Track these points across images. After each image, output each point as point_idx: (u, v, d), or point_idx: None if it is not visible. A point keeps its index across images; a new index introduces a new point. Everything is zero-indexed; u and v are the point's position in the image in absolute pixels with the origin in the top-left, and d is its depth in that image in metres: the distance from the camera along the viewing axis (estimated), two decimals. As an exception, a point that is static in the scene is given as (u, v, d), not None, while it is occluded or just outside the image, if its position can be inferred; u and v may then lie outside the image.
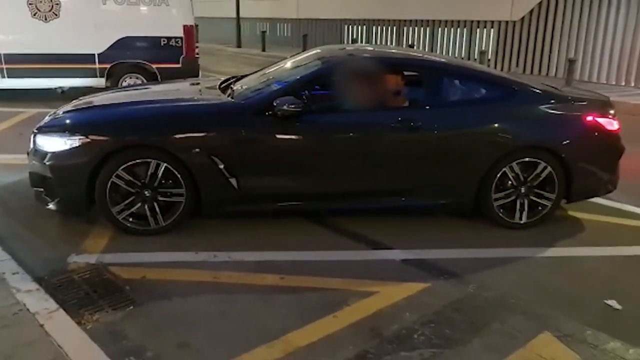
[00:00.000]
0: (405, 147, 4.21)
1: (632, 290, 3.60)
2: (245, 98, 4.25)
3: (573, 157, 4.38)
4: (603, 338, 3.01)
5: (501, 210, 4.41)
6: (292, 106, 3.92)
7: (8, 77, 8.55)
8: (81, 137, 3.93)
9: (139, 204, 4.03)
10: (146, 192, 4.01)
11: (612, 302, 3.39)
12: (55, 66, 8.56)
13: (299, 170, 4.18)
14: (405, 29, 18.73)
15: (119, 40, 8.74)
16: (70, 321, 2.87)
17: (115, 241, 4.01)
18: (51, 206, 4.09)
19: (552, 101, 4.49)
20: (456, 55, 16.87)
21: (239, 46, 22.43)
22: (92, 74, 8.73)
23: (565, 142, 4.36)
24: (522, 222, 4.44)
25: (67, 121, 4.12)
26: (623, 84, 13.00)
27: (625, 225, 4.71)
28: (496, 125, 4.30)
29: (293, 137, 4.11)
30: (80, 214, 4.16)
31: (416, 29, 18.37)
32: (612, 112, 4.55)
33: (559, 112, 4.45)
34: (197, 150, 3.96)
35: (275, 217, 4.47)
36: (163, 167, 3.96)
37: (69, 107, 4.56)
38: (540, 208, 4.45)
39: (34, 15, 8.43)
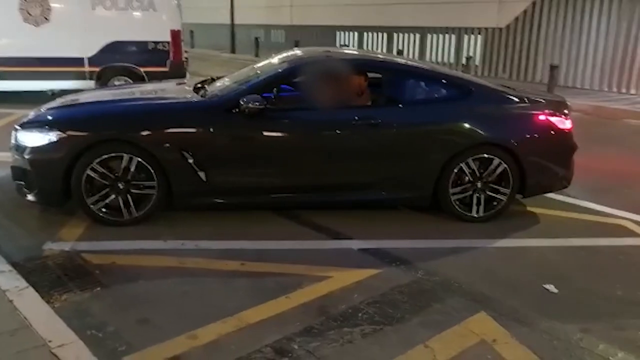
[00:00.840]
0: (365, 144, 4.45)
1: (572, 275, 3.85)
2: (214, 97, 4.49)
3: (526, 154, 4.62)
4: (534, 317, 3.25)
5: (458, 204, 4.65)
6: (256, 104, 4.17)
7: (1, 79, 8.80)
8: (58, 132, 4.17)
9: (113, 196, 4.26)
10: (120, 185, 4.25)
11: (550, 287, 3.63)
12: (46, 69, 8.81)
13: (264, 165, 4.42)
14: (396, 35, 19.03)
15: (108, 44, 9.00)
16: (39, 298, 3.09)
17: (90, 231, 4.25)
18: (30, 198, 4.33)
19: (507, 101, 4.75)
20: (445, 61, 17.17)
21: (233, 52, 22.78)
22: (82, 76, 8.99)
23: (518, 140, 4.61)
24: (478, 215, 4.69)
25: (47, 117, 4.36)
26: (606, 89, 13.28)
27: (578, 219, 4.96)
28: (452, 123, 4.55)
29: (258, 133, 4.36)
30: (57, 205, 4.39)
31: (407, 35, 18.68)
32: (565, 111, 4.81)
33: (513, 111, 4.71)
34: (168, 145, 4.21)
35: (243, 210, 4.70)
36: (136, 161, 4.20)
37: (52, 104, 4.80)
38: (495, 203, 4.70)
39: (26, 20, 8.70)
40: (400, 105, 4.57)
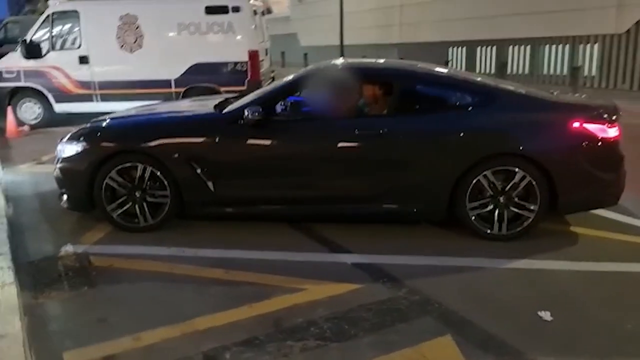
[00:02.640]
0: (372, 154, 4.28)
1: (580, 303, 3.36)
2: (224, 109, 4.61)
3: (556, 166, 4.14)
4: (510, 347, 2.88)
5: (479, 220, 4.28)
6: (255, 114, 4.21)
7: (101, 101, 9.81)
8: (84, 143, 4.55)
9: (130, 204, 4.53)
10: (136, 193, 4.51)
11: (545, 314, 3.20)
12: (139, 91, 9.63)
13: (269, 176, 4.43)
14: (505, 48, 18.10)
15: (191, 66, 9.64)
16: (14, 293, 3.32)
17: (109, 236, 4.54)
18: (64, 204, 4.74)
19: (535, 107, 4.32)
20: (558, 74, 15.94)
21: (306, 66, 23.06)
22: (169, 97, 9.71)
23: (545, 150, 4.15)
24: (501, 233, 4.27)
25: (80, 131, 4.78)
26: None
27: (628, 241, 4.31)
28: (469, 132, 4.21)
29: (262, 144, 4.38)
30: (85, 211, 4.75)
31: (517, 47, 17.69)
32: (609, 118, 4.23)
33: (540, 118, 4.25)
34: (177, 155, 4.39)
35: (258, 220, 4.73)
36: (149, 171, 4.43)
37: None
38: (522, 220, 4.25)
39: (122, 47, 9.64)
40: (409, 114, 4.34)
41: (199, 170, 4.39)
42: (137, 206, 4.53)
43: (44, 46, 9.78)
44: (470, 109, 4.33)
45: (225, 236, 4.50)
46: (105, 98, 9.77)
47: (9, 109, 9.21)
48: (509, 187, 4.19)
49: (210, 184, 4.41)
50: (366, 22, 25.21)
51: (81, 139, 4.61)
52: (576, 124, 4.16)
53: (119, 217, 4.56)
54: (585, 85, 14.71)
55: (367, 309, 3.28)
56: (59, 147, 4.77)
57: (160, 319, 3.19)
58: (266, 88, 4.70)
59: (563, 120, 4.20)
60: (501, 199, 4.22)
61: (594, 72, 14.79)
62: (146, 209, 4.53)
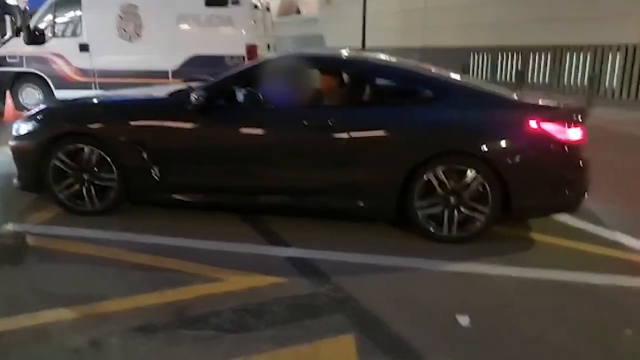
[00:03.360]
0: (318, 147, 4.13)
1: (502, 312, 3.15)
2: (174, 94, 4.52)
3: (508, 167, 3.93)
4: (413, 350, 2.71)
5: (429, 221, 4.09)
6: (199, 99, 4.11)
7: (100, 89, 9.88)
8: (35, 124, 4.52)
9: (77, 186, 4.47)
10: (84, 176, 4.45)
11: (463, 319, 3.01)
12: (137, 81, 9.64)
13: (213, 163, 4.32)
14: (530, 56, 17.65)
15: (189, 58, 9.64)
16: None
17: (56, 218, 4.49)
18: (16, 184, 4.72)
19: (491, 105, 4.10)
20: (579, 84, 15.45)
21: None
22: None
23: (497, 149, 3.94)
24: (451, 235, 4.07)
25: (34, 111, 4.75)
26: None
27: (589, 252, 4.04)
28: (417, 127, 4.03)
29: (205, 130, 4.27)
30: (35, 191, 4.71)
31: (539, 55, 17.24)
32: (568, 119, 3.99)
33: (493, 116, 4.03)
34: (123, 138, 4.32)
35: (212, 210, 4.61)
36: (97, 154, 4.38)
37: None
38: (473, 222, 4.05)
39: (121, 36, 9.70)
40: (358, 107, 4.18)
41: (144, 155, 4.31)
42: (84, 189, 4.47)
43: (47, 33, 9.90)
44: (422, 103, 4.15)
45: (172, 223, 4.40)
46: (103, 86, 9.83)
47: (8, 94, 9.34)
48: (459, 187, 4.00)
49: (155, 170, 4.33)
50: (390, 25, 25.01)
51: (33, 119, 4.58)
52: (532, 124, 3.94)
53: (66, 199, 4.51)
54: (605, 95, 14.24)
55: (281, 302, 3.14)
56: (15, 125, 4.75)
57: (67, 300, 3.11)
58: (219, 76, 4.59)
59: (518, 119, 3.98)
60: (452, 199, 4.03)
61: (615, 82, 14.29)
62: (93, 193, 4.47)
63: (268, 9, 11.04)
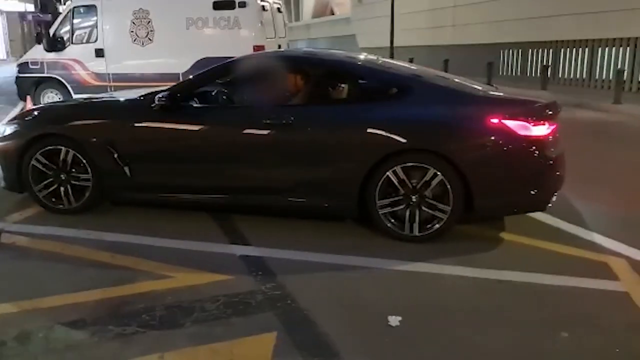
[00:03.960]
0: (278, 145, 4.13)
1: (442, 313, 3.06)
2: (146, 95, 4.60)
3: (470, 164, 3.83)
4: (327, 350, 2.68)
5: (390, 219, 4.03)
6: (162, 100, 4.18)
7: (114, 92, 10.19)
8: (16, 126, 4.70)
9: (55, 186, 4.62)
10: (62, 176, 4.59)
11: (394, 320, 2.94)
12: (150, 84, 9.87)
13: (179, 163, 4.38)
14: (561, 50, 17.11)
15: (198, 60, 9.76)
16: None
17: (35, 216, 4.65)
18: (1, 184, 4.91)
19: (450, 100, 4.01)
20: (611, 79, 14.84)
21: (391, 73, 22.72)
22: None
23: (458, 147, 3.85)
24: (413, 234, 4.00)
25: (17, 114, 4.93)
26: None
27: (556, 252, 3.90)
28: (376, 124, 3.97)
29: (171, 130, 4.33)
30: (18, 191, 4.86)
31: (572, 50, 16.68)
32: (533, 115, 3.85)
33: (454, 112, 3.93)
34: (94, 139, 4.44)
35: (184, 209, 4.67)
36: (72, 154, 4.51)
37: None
38: (437, 221, 3.96)
39: (134, 41, 9.95)
40: (319, 104, 4.16)
41: (115, 155, 4.41)
42: (62, 188, 4.61)
43: (65, 39, 10.26)
44: (382, 100, 4.09)
45: (143, 222, 4.47)
46: (118, 90, 10.09)
47: (28, 98, 9.73)
48: (420, 185, 3.92)
49: (127, 169, 4.42)
50: (420, 24, 24.72)
51: (15, 121, 4.76)
52: (494, 120, 3.81)
53: (45, 199, 4.66)
54: (631, 90, 13.67)
55: (216, 300, 3.16)
56: (0, 128, 4.95)
57: (12, 295, 3.22)
58: (190, 77, 4.65)
59: (480, 116, 3.86)
60: (413, 197, 3.95)
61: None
62: (70, 192, 4.60)
63: (279, 11, 11.10)
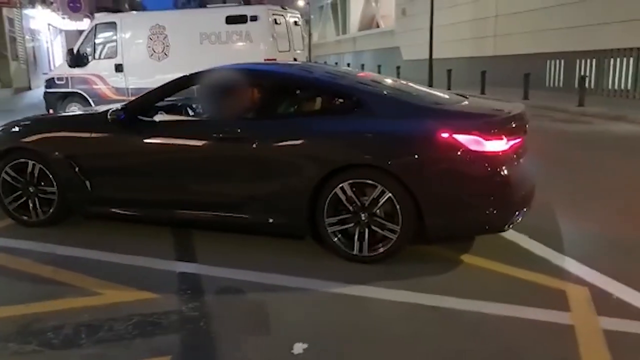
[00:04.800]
0: (228, 159, 4.03)
1: (354, 337, 2.86)
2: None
3: (418, 182, 3.60)
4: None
5: (340, 239, 3.84)
6: (114, 114, 4.18)
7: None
8: (-9, 141, 4.82)
9: (24, 199, 4.69)
10: (30, 189, 4.66)
11: (299, 347, 2.76)
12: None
13: (134, 177, 4.35)
14: (605, 60, 16.31)
15: (212, 74, 9.86)
16: None
17: (4, 228, 4.72)
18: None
19: (402, 113, 3.78)
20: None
21: (430, 85, 22.35)
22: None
23: (406, 162, 3.63)
24: (362, 254, 3.79)
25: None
26: None
27: (513, 278, 3.59)
28: (323, 139, 3.81)
29: (125, 144, 4.32)
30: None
31: (618, 59, 15.86)
32: (487, 128, 3.58)
33: (403, 126, 3.70)
34: (57, 153, 4.48)
35: (150, 224, 4.62)
36: (38, 168, 4.57)
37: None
38: (386, 241, 3.74)
39: (151, 56, 10.16)
40: (266, 118, 4.03)
41: (77, 169, 4.43)
42: (30, 201, 4.68)
43: (88, 55, 10.61)
44: (331, 114, 3.93)
45: (101, 236, 4.46)
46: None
47: (51, 112, 10.10)
48: (368, 203, 3.72)
49: (87, 183, 4.44)
50: (461, 35, 24.26)
51: (-7, 134, 4.88)
52: (444, 134, 3.57)
53: (14, 211, 4.74)
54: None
55: (130, 319, 3.07)
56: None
57: None
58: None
59: (429, 130, 3.63)
60: (362, 216, 3.75)
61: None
62: (37, 205, 4.66)
63: (296, 24, 11.07)
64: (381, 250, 3.75)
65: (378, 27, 38.66)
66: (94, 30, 10.56)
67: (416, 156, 3.63)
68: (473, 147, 3.54)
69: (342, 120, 3.86)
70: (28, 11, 23.46)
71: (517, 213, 3.72)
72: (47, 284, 3.59)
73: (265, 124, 4.01)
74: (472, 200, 3.63)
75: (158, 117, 4.32)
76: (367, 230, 3.76)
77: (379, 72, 28.53)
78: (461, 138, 3.54)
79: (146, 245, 4.24)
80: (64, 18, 27.97)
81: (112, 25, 10.39)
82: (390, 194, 3.64)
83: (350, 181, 3.73)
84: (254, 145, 3.93)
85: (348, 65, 34.84)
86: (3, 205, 4.75)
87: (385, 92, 4.15)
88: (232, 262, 3.86)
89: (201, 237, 4.37)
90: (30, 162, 4.58)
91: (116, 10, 14.57)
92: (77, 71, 10.65)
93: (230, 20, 9.70)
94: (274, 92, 4.14)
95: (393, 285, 3.48)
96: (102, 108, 4.74)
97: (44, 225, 4.69)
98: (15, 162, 4.63)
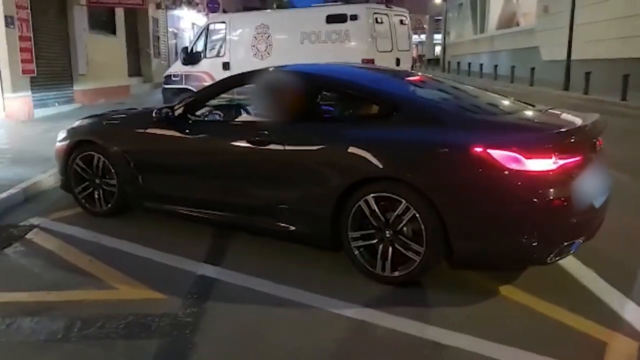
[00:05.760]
0: (254, 162, 3.94)
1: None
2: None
3: (445, 200, 3.22)
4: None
5: (363, 255, 3.57)
6: (161, 113, 4.27)
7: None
8: (65, 134, 5.19)
9: (90, 189, 5.00)
10: (96, 180, 4.96)
11: (267, 371, 2.58)
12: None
13: (175, 175, 4.41)
14: None
15: (310, 74, 9.86)
16: None
17: (72, 216, 5.06)
18: (60, 184, 5.46)
19: (438, 122, 3.39)
20: None
21: (566, 89, 20.56)
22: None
23: (434, 177, 3.26)
24: (385, 274, 3.49)
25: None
26: None
27: (540, 315, 3.09)
28: (351, 146, 3.53)
29: (170, 143, 4.39)
30: (68, 191, 5.33)
31: None
32: (535, 145, 3.10)
33: (437, 137, 3.31)
34: (116, 147, 4.71)
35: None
36: (102, 161, 4.85)
37: None
38: (410, 262, 3.41)
39: (254, 54, 10.41)
40: (298, 122, 3.84)
41: (132, 164, 4.62)
42: (95, 192, 4.97)
43: (200, 54, 11.17)
44: (360, 120, 3.66)
45: (149, 231, 4.57)
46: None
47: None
48: (392, 219, 3.41)
49: (140, 178, 4.60)
50: (609, 34, 21.90)
51: (65, 130, 5.26)
52: (477, 149, 3.14)
53: (83, 200, 5.07)
54: None
55: (124, 318, 3.08)
56: (58, 134, 5.49)
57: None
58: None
59: (462, 142, 3.20)
60: (387, 232, 3.45)
61: None
62: (102, 196, 4.94)
63: (402, 23, 10.66)
64: (404, 272, 3.42)
65: (518, 25, 36.41)
66: (206, 30, 11.10)
67: (444, 171, 3.24)
68: (510, 165, 3.07)
69: (374, 127, 3.58)
70: (175, 12, 25.47)
71: (564, 244, 3.18)
72: (76, 274, 3.76)
73: (297, 129, 3.84)
74: (506, 225, 3.16)
75: (194, 118, 4.35)
76: (390, 248, 3.45)
77: (512, 74, 26.78)
78: (496, 154, 3.09)
79: (183, 244, 4.27)
80: (206, 17, 29.99)
81: (222, 25, 10.84)
82: (415, 211, 3.29)
83: (375, 194, 3.44)
84: (282, 150, 3.79)
85: (480, 67, 33.27)
86: (74, 194, 5.10)
87: (422, 97, 3.78)
88: (254, 270, 3.75)
89: (239, 241, 4.31)
90: (96, 155, 4.86)
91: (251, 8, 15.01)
92: (190, 69, 11.27)
93: (331, 19, 9.63)
94: (308, 95, 3.93)
95: (406, 312, 3.15)
96: (158, 106, 4.88)
97: (106, 215, 4.94)
98: (84, 154, 4.93)
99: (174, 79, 11.60)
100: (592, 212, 3.36)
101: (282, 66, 4.57)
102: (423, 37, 62.81)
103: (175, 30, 26.75)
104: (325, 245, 3.82)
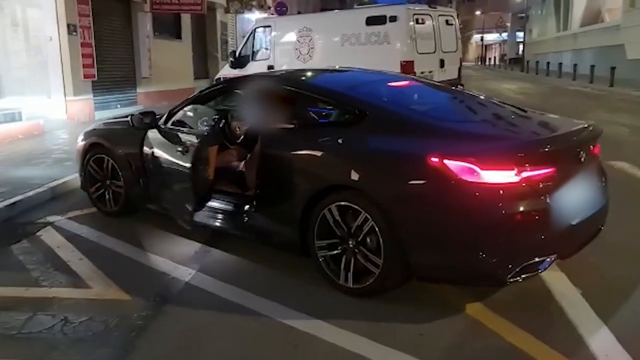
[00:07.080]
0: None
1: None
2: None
3: (401, 212, 3.09)
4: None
5: (329, 264, 3.50)
6: (136, 120, 4.42)
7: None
8: (82, 136, 5.46)
9: (102, 190, 5.24)
10: (107, 182, 5.19)
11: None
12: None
13: (160, 179, 4.49)
14: None
15: (351, 75, 9.78)
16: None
17: (84, 215, 5.32)
18: (80, 184, 5.75)
19: (401, 130, 3.26)
20: None
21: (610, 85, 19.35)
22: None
23: (388, 187, 3.14)
24: (347, 285, 3.39)
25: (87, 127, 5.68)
26: None
27: (499, 340, 2.87)
28: (315, 154, 3.47)
29: (154, 148, 4.48)
30: (84, 189, 5.57)
31: None
32: (496, 156, 2.91)
33: (395, 146, 3.18)
34: (120, 151, 4.90)
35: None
36: (110, 163, 5.07)
37: None
38: (370, 275, 3.30)
39: (297, 57, 10.45)
40: (277, 126, 3.82)
41: (133, 167, 4.79)
42: (106, 193, 5.20)
43: (247, 57, 11.38)
44: (332, 125, 3.58)
45: (146, 232, 4.69)
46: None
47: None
48: (354, 229, 3.32)
49: (141, 181, 4.76)
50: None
51: (83, 133, 5.53)
52: (434, 159, 2.98)
53: (95, 200, 5.32)
54: None
55: (77, 319, 3.20)
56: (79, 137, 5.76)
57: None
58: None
59: (419, 152, 3.06)
60: (350, 243, 3.37)
61: None
62: (111, 197, 5.16)
63: (448, 23, 10.30)
64: (364, 284, 3.31)
65: (603, 22, 34.26)
66: (253, 34, 11.29)
67: (401, 181, 3.10)
68: (465, 177, 2.89)
69: (336, 134, 3.49)
70: (246, 15, 26.09)
71: (529, 262, 2.95)
72: (61, 272, 3.93)
73: (266, 134, 3.82)
74: (462, 240, 2.97)
75: (164, 126, 4.42)
76: (352, 259, 3.35)
77: (592, 74, 25.18)
78: (452, 165, 2.92)
79: (173, 247, 4.37)
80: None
81: (267, 29, 10.99)
82: (373, 222, 3.19)
83: (337, 204, 3.36)
84: (257, 154, 3.79)
85: (559, 66, 31.59)
86: (89, 193, 5.36)
87: (390, 104, 3.63)
88: (228, 276, 3.78)
89: (227, 246, 4.31)
90: (106, 158, 5.08)
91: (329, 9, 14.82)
92: (237, 72, 11.47)
93: (370, 21, 9.50)
94: (276, 100, 3.90)
95: (356, 327, 3.04)
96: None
97: (117, 216, 5.15)
98: (96, 156, 5.17)
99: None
100: (570, 228, 3.10)
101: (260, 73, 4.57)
102: (505, 35, 60.59)
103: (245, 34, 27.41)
104: (295, 252, 3.77)
